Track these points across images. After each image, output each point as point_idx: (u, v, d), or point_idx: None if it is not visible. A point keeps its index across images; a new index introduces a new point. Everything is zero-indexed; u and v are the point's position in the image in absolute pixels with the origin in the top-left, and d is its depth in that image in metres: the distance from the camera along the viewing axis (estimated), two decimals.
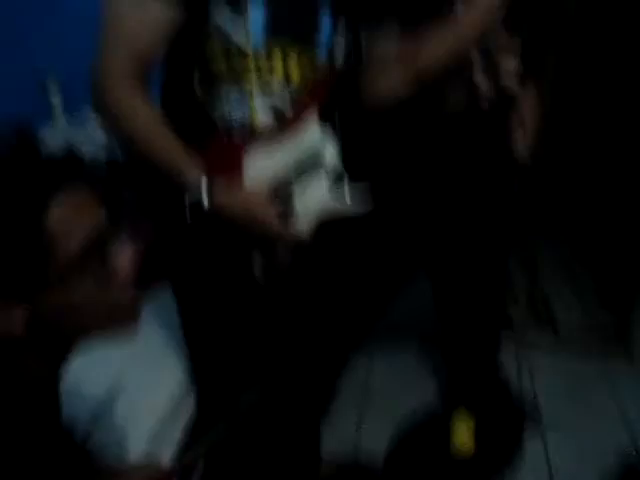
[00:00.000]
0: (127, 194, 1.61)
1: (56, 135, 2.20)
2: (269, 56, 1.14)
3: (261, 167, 1.19)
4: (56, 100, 2.43)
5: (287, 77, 1.17)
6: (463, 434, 0.98)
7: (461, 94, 1.15)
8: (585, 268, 3.22)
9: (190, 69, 1.18)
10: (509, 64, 1.02)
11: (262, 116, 1.19)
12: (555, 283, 3.02)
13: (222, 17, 1.11)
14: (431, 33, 1.26)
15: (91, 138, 2.19)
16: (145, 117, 1.14)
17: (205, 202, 1.11)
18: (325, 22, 1.19)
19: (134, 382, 1.51)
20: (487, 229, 1.74)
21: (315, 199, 1.22)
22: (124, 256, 0.78)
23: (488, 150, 1.58)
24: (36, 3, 2.36)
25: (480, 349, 2.01)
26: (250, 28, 1.11)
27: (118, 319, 0.81)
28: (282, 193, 1.20)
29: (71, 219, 0.72)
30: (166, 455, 1.49)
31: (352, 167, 1.22)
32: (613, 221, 3.41)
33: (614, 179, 3.53)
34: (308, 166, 1.21)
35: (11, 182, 0.71)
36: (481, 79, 1.05)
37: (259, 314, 1.34)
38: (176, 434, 1.56)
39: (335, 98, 1.23)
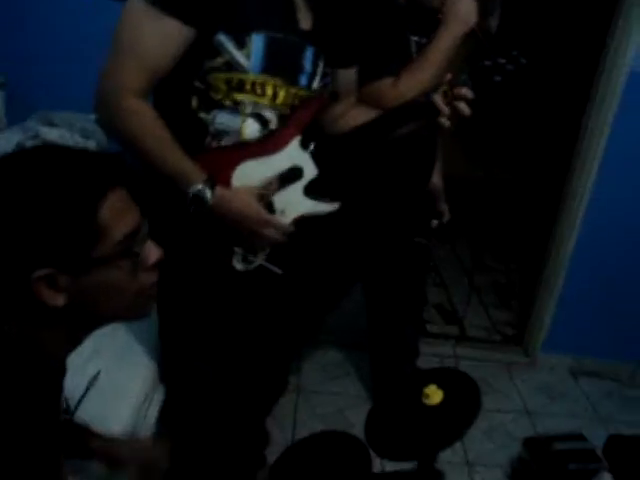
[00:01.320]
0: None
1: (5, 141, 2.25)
2: (262, 82, 1.31)
3: (247, 174, 1.35)
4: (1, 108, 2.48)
5: (275, 99, 1.35)
6: (432, 388, 1.21)
7: (413, 121, 1.41)
8: (485, 272, 3.61)
9: (189, 84, 1.31)
10: (466, 92, 1.34)
11: (250, 129, 1.35)
12: (457, 285, 3.37)
13: (226, 43, 1.26)
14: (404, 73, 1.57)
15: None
16: (153, 127, 1.26)
17: (208, 196, 1.26)
18: (308, 61, 1.38)
19: (110, 367, 1.62)
20: (414, 245, 2.03)
21: (292, 205, 1.40)
22: (151, 247, 0.91)
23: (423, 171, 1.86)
24: None
25: (404, 347, 2.29)
26: (252, 55, 1.27)
27: (140, 303, 0.93)
28: (265, 198, 1.36)
29: (119, 211, 0.83)
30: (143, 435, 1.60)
31: (325, 181, 1.43)
32: (511, 226, 3.83)
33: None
34: (288, 177, 1.39)
35: (78, 170, 0.82)
36: (440, 102, 1.35)
37: (234, 304, 1.50)
38: (150, 419, 1.68)
39: (315, 122, 1.43)
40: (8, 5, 2.42)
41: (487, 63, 1.37)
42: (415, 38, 1.72)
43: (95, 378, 1.57)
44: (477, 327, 3.06)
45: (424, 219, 2.00)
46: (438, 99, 1.35)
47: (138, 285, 0.88)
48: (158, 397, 1.74)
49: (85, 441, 1.24)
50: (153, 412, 1.71)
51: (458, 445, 2.21)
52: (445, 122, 1.38)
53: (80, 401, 1.47)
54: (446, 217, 2.06)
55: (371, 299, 2.24)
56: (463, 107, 1.35)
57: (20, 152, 0.87)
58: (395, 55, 1.63)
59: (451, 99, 1.35)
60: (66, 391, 1.41)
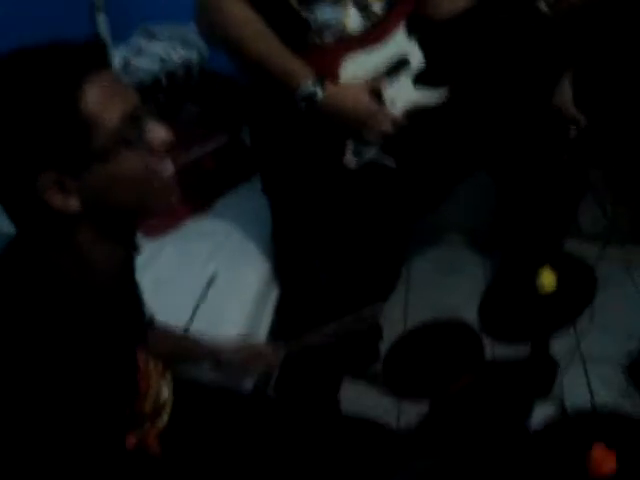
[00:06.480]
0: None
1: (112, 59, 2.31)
2: None
3: (355, 68, 1.33)
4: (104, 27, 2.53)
5: None
6: (548, 275, 1.19)
7: None
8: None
9: None
10: None
11: (354, 21, 1.33)
12: None
13: None
14: None
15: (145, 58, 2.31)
16: (258, 30, 1.26)
17: (319, 94, 1.25)
18: None
19: (224, 270, 1.68)
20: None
21: (402, 95, 1.37)
22: (158, 130, 0.84)
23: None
24: None
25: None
26: None
27: (157, 192, 0.87)
28: (374, 90, 1.34)
29: (105, 97, 0.78)
30: (260, 337, 1.68)
31: (433, 69, 1.38)
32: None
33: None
34: (396, 67, 1.37)
35: (48, 66, 0.77)
36: None
37: (347, 199, 1.51)
38: (267, 318, 1.75)
39: (419, 9, 1.38)
40: None
41: None
42: None
43: (213, 279, 1.64)
44: (592, 223, 2.90)
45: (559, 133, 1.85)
46: None
47: (149, 172, 0.84)
48: (274, 295, 1.80)
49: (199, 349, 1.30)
50: (269, 310, 1.77)
51: (572, 339, 2.15)
52: None
53: (199, 303, 1.55)
54: (583, 123, 1.87)
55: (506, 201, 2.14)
56: None
57: None
58: None
59: None
60: (182, 294, 1.49)
